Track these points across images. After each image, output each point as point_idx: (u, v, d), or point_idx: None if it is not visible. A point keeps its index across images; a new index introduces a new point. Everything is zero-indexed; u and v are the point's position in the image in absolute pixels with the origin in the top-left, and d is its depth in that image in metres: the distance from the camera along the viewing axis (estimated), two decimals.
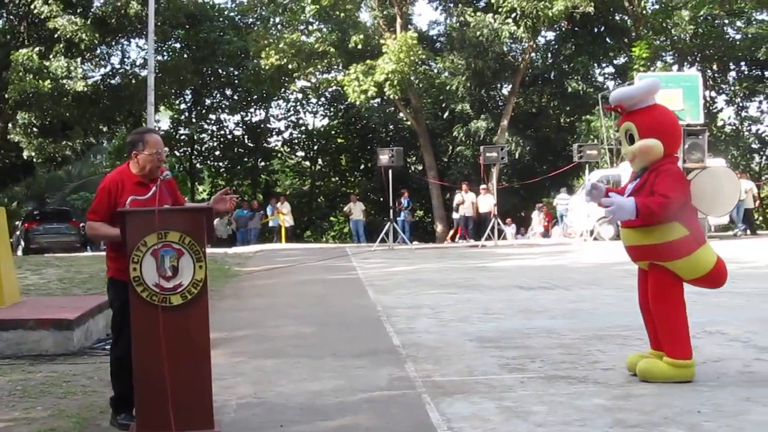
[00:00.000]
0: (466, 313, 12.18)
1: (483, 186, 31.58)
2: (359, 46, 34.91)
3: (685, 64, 40.45)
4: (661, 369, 7.52)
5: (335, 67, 39.64)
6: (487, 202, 30.91)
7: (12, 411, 7.16)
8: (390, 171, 27.19)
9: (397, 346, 9.73)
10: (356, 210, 35.40)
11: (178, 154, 47.98)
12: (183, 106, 47.54)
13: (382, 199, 39.03)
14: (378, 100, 40.26)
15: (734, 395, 7.06)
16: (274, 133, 49.23)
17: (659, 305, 7.58)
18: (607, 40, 40.65)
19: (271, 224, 35.98)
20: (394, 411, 6.96)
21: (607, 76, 43.77)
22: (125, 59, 38.12)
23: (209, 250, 24.31)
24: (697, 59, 41.21)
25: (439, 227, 38.62)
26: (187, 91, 45.77)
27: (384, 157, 27.17)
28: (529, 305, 12.86)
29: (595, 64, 41.06)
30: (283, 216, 34.60)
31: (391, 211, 27.85)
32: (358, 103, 37.15)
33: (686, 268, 7.52)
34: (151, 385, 6.07)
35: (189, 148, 48.00)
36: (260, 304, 14.30)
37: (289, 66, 36.30)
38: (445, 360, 8.91)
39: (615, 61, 42.35)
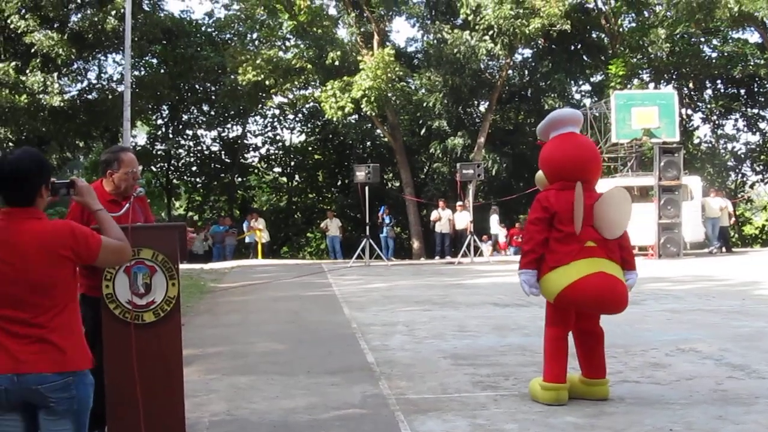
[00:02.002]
0: (441, 330, 12.19)
1: (459, 203, 31.61)
2: (336, 63, 34.88)
3: (662, 81, 40.72)
4: (536, 391, 7.72)
5: (312, 83, 39.63)
6: (463, 218, 30.97)
7: None
8: (366, 187, 27.18)
9: (371, 363, 9.75)
10: (332, 226, 35.38)
11: (154, 169, 47.76)
12: (160, 121, 47.38)
13: (359, 215, 38.95)
14: (355, 116, 40.27)
15: (706, 413, 7.10)
16: (251, 149, 49.20)
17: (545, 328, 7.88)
18: (584, 57, 40.77)
19: (247, 240, 35.90)
20: (366, 429, 6.97)
21: (583, 93, 43.99)
22: (102, 74, 38.01)
23: (185, 266, 24.08)
24: (674, 77, 41.49)
25: (415, 244, 38.62)
26: (164, 107, 45.62)
27: (360, 174, 27.16)
28: (504, 322, 12.89)
29: (572, 82, 41.17)
30: (259, 232, 34.54)
31: (368, 227, 27.83)
32: (335, 119, 37.14)
33: (543, 291, 7.69)
34: (123, 402, 6.06)
35: (165, 164, 47.76)
36: (234, 320, 14.28)
37: (266, 82, 36.23)
38: (418, 377, 8.92)
39: (592, 79, 42.54)
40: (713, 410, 7.19)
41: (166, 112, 46.34)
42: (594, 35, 41.20)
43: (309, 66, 36.81)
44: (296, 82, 38.42)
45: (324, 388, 8.47)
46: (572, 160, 7.64)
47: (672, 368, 8.96)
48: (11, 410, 4.03)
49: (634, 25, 40.64)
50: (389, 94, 35.38)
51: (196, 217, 47.39)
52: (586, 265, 7.38)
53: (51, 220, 4.28)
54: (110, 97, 34.27)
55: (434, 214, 33.21)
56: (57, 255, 4.09)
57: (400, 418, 7.20)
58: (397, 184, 43.02)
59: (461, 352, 10.32)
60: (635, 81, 38.39)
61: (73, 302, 4.24)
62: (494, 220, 35.88)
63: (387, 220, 34.35)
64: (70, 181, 4.40)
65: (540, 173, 8.06)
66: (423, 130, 40.55)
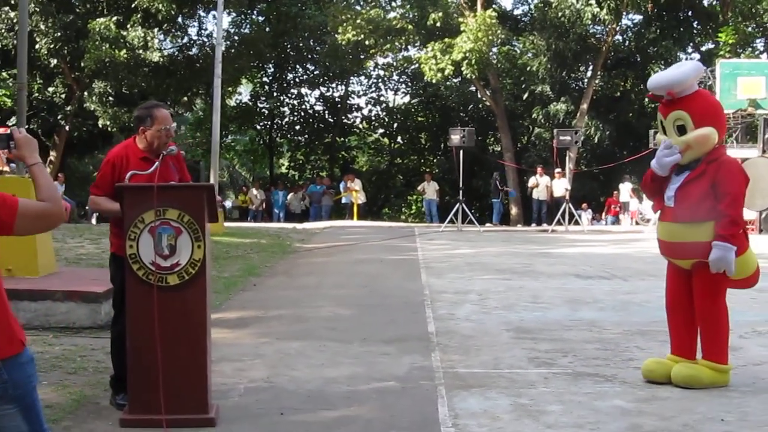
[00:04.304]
0: (513, 301, 11.85)
1: (557, 170, 31.01)
2: (438, 24, 34.44)
3: None
4: (709, 375, 7.06)
5: (413, 44, 39.23)
6: (561, 186, 30.40)
7: None
8: (461, 151, 26.80)
9: (430, 333, 9.48)
10: (430, 189, 35.06)
11: (258, 127, 48.07)
12: (265, 79, 47.54)
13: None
14: (457, 79, 39.78)
15: (765, 403, 6.69)
16: (353, 109, 49.08)
17: (708, 306, 7.11)
18: (694, 24, 39.56)
19: (343, 201, 35.85)
20: (403, 403, 6.70)
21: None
22: (202, 31, 38.30)
23: (277, 225, 24.34)
24: None
25: (513, 210, 38.09)
26: (269, 65, 45.78)
27: (455, 137, 26.81)
28: (580, 295, 12.48)
29: (681, 50, 39.97)
30: (355, 193, 34.39)
31: (461, 191, 27.45)
32: (434, 81, 36.75)
33: (739, 268, 7.05)
34: (144, 366, 5.91)
35: (269, 122, 47.98)
36: (308, 282, 14.12)
37: (366, 42, 36.00)
38: (474, 350, 8.62)
39: (701, 48, 41.24)
40: None
41: (271, 70, 46.45)
42: (705, 2, 39.87)
43: (410, 27, 36.41)
44: (397, 43, 38.05)
45: (373, 358, 8.23)
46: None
47: (742, 352, 8.48)
48: None
49: None
50: (491, 57, 34.80)
51: (297, 176, 47.57)
52: None
53: None
54: (210, 53, 34.37)
55: (532, 181, 32.68)
56: None
57: (441, 393, 6.91)
58: (498, 149, 42.42)
59: (526, 325, 9.98)
60: (747, 50, 37.05)
61: None
62: (626, 188, 35.20)
63: (500, 186, 33.98)
64: (9, 133, 3.92)
65: (710, 131, 7.06)
66: (526, 95, 39.85)
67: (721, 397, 6.83)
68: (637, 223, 33.27)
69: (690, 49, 41.55)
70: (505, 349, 8.70)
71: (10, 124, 23.31)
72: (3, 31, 31.07)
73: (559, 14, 34.79)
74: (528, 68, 37.76)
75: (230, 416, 6.24)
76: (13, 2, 28.36)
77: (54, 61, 32.62)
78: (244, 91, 49.76)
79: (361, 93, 48.65)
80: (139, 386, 5.95)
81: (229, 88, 42.15)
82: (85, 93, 33.46)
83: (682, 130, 7.09)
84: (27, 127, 32.40)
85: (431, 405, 6.60)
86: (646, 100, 40.00)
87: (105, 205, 6.38)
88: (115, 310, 6.58)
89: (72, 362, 7.83)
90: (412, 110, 48.68)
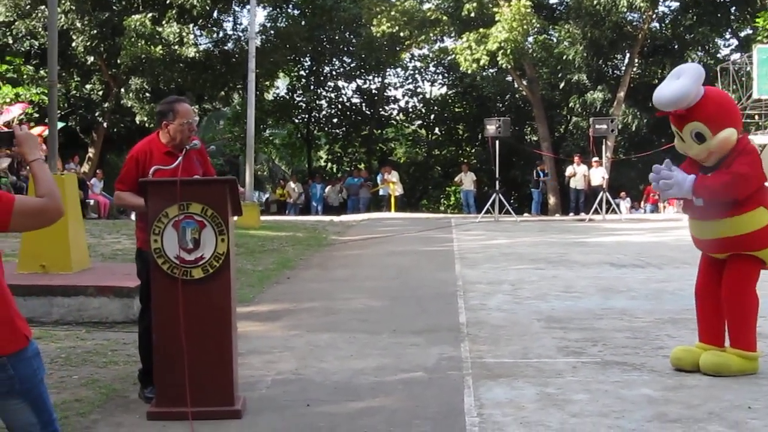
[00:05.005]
0: (545, 291, 11.83)
1: (595, 158, 30.85)
2: (472, 14, 34.33)
3: None
4: (738, 363, 7.01)
5: (448, 35, 39.15)
6: (598, 174, 30.26)
7: (47, 378, 7.11)
8: (497, 141, 26.76)
9: (461, 324, 9.49)
10: (467, 180, 35.04)
11: (296, 120, 48.18)
12: (302, 72, 47.60)
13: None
14: (493, 69, 39.65)
15: None
16: (390, 101, 49.00)
17: (739, 296, 7.06)
18: (731, 10, 39.12)
19: (381, 193, 35.88)
20: (429, 394, 6.72)
21: (731, 48, 42.28)
22: (237, 25, 38.50)
23: (314, 218, 24.43)
24: None
25: (551, 200, 37.91)
26: (306, 58, 45.87)
27: (491, 127, 26.79)
28: (614, 284, 12.43)
29: (717, 36, 39.57)
30: (393, 185, 34.39)
31: (497, 181, 27.41)
32: (470, 72, 36.66)
33: None
34: (170, 359, 5.96)
35: (306, 115, 48.07)
36: (342, 275, 14.16)
37: (401, 34, 35.99)
38: (504, 340, 8.62)
39: (740, 33, 40.81)
40: None
41: (308, 63, 46.55)
42: None
43: (444, 18, 36.33)
44: (431, 34, 38.00)
45: (402, 349, 8.25)
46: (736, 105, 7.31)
47: None
48: None
49: None
50: (527, 47, 34.67)
51: (335, 168, 47.67)
52: None
53: None
54: (246, 47, 34.54)
55: (569, 170, 32.53)
56: None
57: (468, 383, 6.93)
58: (535, 138, 42.25)
59: (557, 315, 9.96)
60: None
61: None
62: None
63: (542, 176, 33.92)
64: (11, 131, 3.94)
65: (731, 133, 7.01)
66: (562, 84, 39.64)
67: (750, 384, 6.79)
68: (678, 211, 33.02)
69: (728, 35, 41.17)
70: (534, 338, 8.69)
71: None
72: (40, 29, 31.36)
73: (595, 2, 34.48)
74: (564, 57, 37.48)
75: (257, 408, 6.29)
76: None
77: (91, 59, 32.93)
78: (282, 85, 49.85)
79: (398, 85, 48.64)
80: (165, 379, 6.01)
81: (266, 82, 42.33)
82: (122, 89, 33.78)
83: (700, 137, 7.02)
84: (66, 123, 32.92)
85: (457, 395, 6.62)
86: None
87: (129, 200, 6.44)
88: (142, 304, 6.63)
89: (103, 357, 7.91)
90: (449, 101, 48.56)
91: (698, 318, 7.39)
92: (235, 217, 6.32)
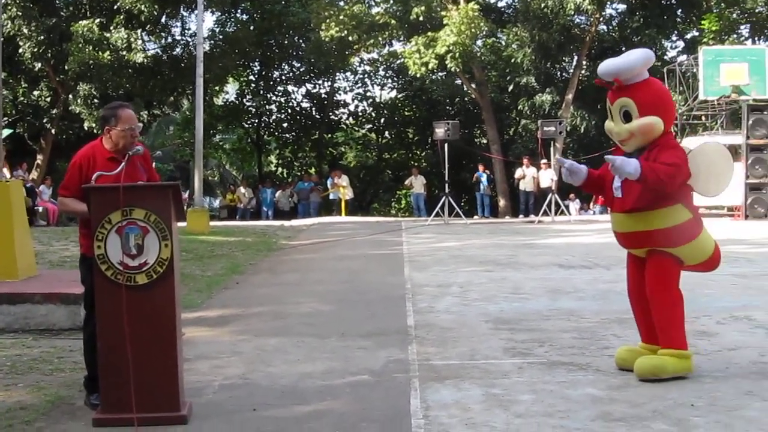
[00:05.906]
0: (494, 293, 11.90)
1: (543, 161, 31.09)
2: (421, 18, 34.48)
3: (761, 37, 39.24)
4: (673, 363, 6.98)
5: (396, 39, 39.26)
6: (547, 177, 30.49)
7: None
8: (446, 144, 26.86)
9: (409, 327, 9.52)
10: (417, 183, 35.19)
11: (246, 125, 48.02)
12: (251, 77, 47.49)
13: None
14: (442, 73, 39.79)
15: (736, 388, 6.69)
16: (340, 105, 49.03)
17: (661, 294, 7.07)
18: (677, 12, 39.57)
19: (331, 197, 35.90)
20: (375, 396, 6.74)
21: (677, 50, 42.78)
22: (185, 31, 38.35)
23: (264, 223, 24.39)
24: None
25: (501, 202, 38.13)
26: (255, 63, 45.76)
27: (440, 131, 26.88)
28: (561, 285, 12.53)
29: (664, 38, 39.98)
30: (343, 189, 34.44)
31: (446, 185, 27.52)
32: (419, 75, 36.80)
33: (692, 253, 7.11)
34: (115, 365, 5.93)
35: (256, 120, 47.95)
36: (291, 279, 14.16)
37: (350, 38, 36.04)
38: (451, 342, 8.66)
39: (686, 36, 41.27)
40: (745, 385, 6.76)
41: (257, 68, 46.44)
42: None
43: (393, 22, 36.43)
44: (380, 38, 38.08)
45: (350, 352, 8.26)
46: (674, 105, 7.27)
47: (718, 338, 8.54)
48: None
49: None
50: (475, 50, 34.84)
51: (285, 173, 47.58)
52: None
53: None
54: (194, 53, 34.44)
55: (518, 172, 32.80)
56: None
57: (414, 385, 6.94)
58: (485, 141, 42.45)
59: (505, 316, 10.02)
60: (732, 37, 37.06)
61: None
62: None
63: (483, 178, 34.02)
64: None
65: (655, 120, 6.97)
66: (511, 87, 39.88)
67: (692, 383, 6.86)
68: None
69: (674, 37, 41.64)
70: (482, 340, 8.74)
71: None
72: None
73: (542, 5, 34.76)
74: (512, 60, 37.75)
75: (203, 413, 6.26)
76: None
77: (38, 65, 32.74)
78: (231, 90, 49.73)
79: (348, 89, 48.75)
80: (110, 385, 5.97)
81: (216, 87, 42.21)
82: (70, 96, 33.51)
83: (628, 117, 7.03)
84: (14, 130, 32.66)
85: (404, 397, 6.64)
86: None
87: (73, 206, 6.41)
88: (86, 310, 6.60)
89: (49, 364, 7.86)
90: (399, 105, 48.69)
91: (636, 319, 7.44)
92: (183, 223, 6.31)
